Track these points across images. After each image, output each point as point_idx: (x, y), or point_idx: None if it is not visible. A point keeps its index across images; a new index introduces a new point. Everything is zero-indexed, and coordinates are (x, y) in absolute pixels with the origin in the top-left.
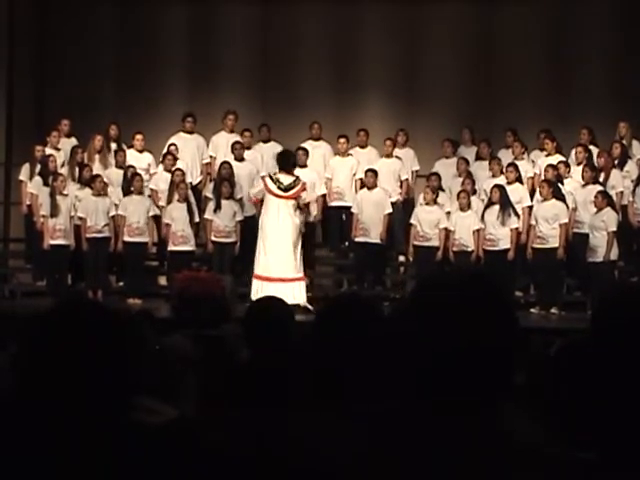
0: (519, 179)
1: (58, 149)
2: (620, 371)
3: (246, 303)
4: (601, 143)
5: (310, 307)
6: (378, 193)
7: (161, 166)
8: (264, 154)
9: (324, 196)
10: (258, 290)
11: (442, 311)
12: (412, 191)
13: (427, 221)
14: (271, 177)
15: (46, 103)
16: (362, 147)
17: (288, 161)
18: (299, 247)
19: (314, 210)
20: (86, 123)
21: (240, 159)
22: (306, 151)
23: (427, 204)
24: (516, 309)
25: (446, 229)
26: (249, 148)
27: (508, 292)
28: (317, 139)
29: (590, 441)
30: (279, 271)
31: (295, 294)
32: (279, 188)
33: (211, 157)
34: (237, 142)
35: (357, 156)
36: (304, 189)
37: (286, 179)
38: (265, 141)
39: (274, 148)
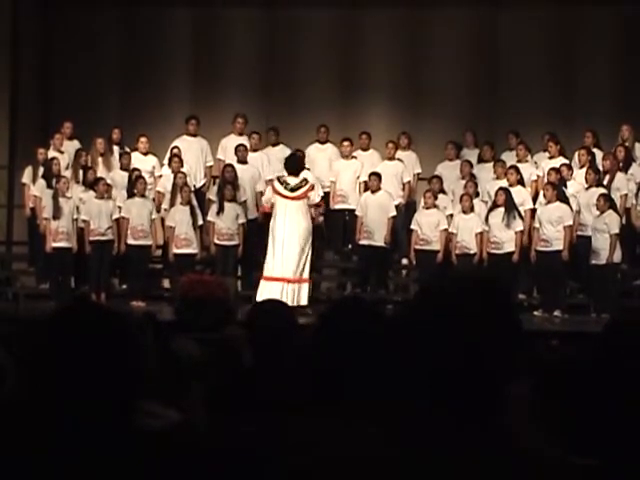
0: (521, 181)
1: (62, 152)
2: (622, 378)
3: (250, 306)
4: (604, 146)
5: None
6: (382, 196)
7: (168, 169)
8: (272, 157)
9: (325, 199)
10: (262, 291)
11: (445, 315)
12: (414, 194)
13: (427, 224)
14: (278, 179)
15: (50, 106)
16: (364, 150)
17: (295, 164)
18: (308, 249)
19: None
20: (91, 126)
21: (243, 161)
22: (303, 154)
23: (427, 208)
24: (519, 312)
25: (446, 231)
26: (256, 150)
27: (512, 295)
28: (324, 142)
29: (590, 447)
30: (283, 271)
31: (296, 296)
32: (286, 189)
33: (220, 160)
34: (241, 144)
35: (359, 159)
36: (312, 189)
37: (293, 180)
38: (274, 144)
39: (283, 151)
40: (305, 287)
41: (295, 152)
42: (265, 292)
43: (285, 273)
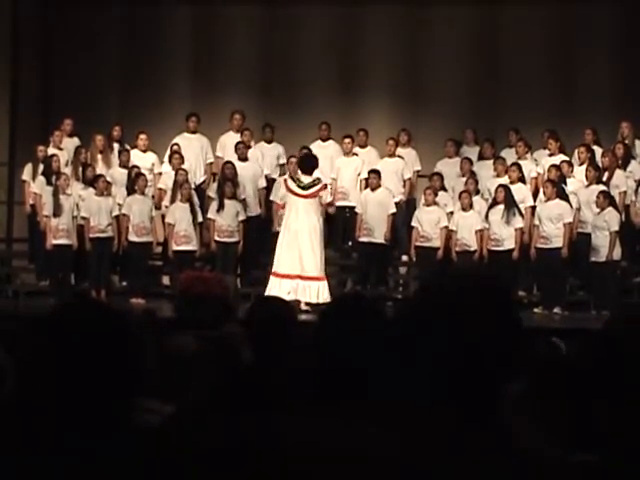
0: (521, 179)
1: (61, 149)
2: (622, 375)
3: (250, 303)
4: (604, 143)
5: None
6: (382, 193)
7: (169, 166)
8: (266, 154)
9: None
10: (274, 287)
11: (445, 313)
12: (414, 191)
13: (428, 221)
14: (292, 177)
15: (50, 103)
16: (362, 147)
17: (309, 164)
18: (321, 247)
19: None
20: (91, 123)
21: (244, 159)
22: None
23: (427, 205)
24: (519, 309)
25: (447, 228)
26: (249, 147)
27: (512, 293)
28: (325, 139)
29: (591, 443)
30: (294, 268)
31: (318, 293)
32: (299, 187)
33: (219, 157)
34: (240, 142)
35: (358, 156)
36: (324, 189)
37: (306, 179)
38: (268, 141)
39: (276, 149)
40: (326, 284)
41: (309, 152)
42: (275, 289)
43: (298, 270)
